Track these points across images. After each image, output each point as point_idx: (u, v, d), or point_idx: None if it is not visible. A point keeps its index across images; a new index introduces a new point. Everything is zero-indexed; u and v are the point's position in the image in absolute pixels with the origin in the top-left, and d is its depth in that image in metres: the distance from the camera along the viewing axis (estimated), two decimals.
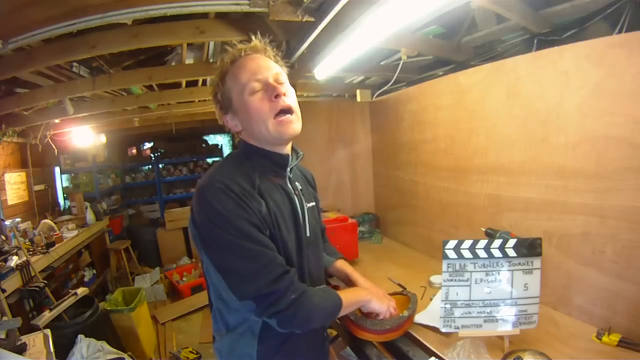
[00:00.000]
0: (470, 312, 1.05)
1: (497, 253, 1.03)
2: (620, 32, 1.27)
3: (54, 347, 1.75)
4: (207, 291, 1.06)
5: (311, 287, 0.97)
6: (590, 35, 1.32)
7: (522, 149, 1.36)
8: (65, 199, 4.57)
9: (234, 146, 7.04)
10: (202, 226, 0.90)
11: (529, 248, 1.02)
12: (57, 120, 3.49)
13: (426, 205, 1.98)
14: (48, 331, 1.85)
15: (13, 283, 2.21)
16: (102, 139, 4.61)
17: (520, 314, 1.02)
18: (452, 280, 1.06)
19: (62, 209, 4.38)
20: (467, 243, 1.05)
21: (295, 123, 0.96)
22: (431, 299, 1.38)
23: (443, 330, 1.06)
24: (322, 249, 1.21)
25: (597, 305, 1.14)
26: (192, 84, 3.26)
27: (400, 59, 2.13)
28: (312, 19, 1.49)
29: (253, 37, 1.00)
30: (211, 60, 2.57)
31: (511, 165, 1.41)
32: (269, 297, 0.87)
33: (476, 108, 1.57)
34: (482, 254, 1.04)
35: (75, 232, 3.48)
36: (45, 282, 2.41)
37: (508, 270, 1.03)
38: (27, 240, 2.86)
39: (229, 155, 1.06)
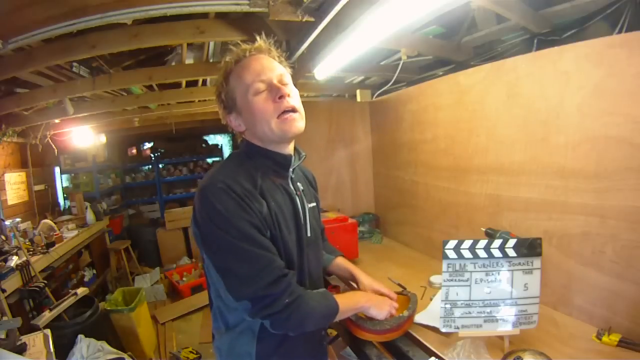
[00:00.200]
0: (470, 312, 1.05)
1: (497, 253, 1.03)
2: (620, 32, 1.27)
3: (54, 347, 1.75)
4: (208, 290, 1.06)
5: (309, 291, 0.97)
6: (590, 35, 1.32)
7: (522, 149, 1.36)
8: (65, 199, 4.57)
9: (234, 146, 7.04)
10: (203, 226, 0.90)
11: (529, 248, 1.02)
12: (57, 120, 3.49)
13: (426, 205, 1.98)
14: (48, 331, 1.85)
15: (13, 283, 2.21)
16: (102, 139, 4.61)
17: (520, 314, 1.02)
18: (452, 280, 1.06)
19: (62, 209, 4.38)
20: (467, 243, 1.05)
21: (298, 121, 0.96)
22: (431, 299, 1.38)
23: (443, 330, 1.06)
24: (321, 249, 1.21)
25: (597, 305, 1.14)
26: (192, 84, 3.26)
27: (400, 59, 2.13)
28: (312, 19, 1.49)
29: (258, 38, 1.00)
30: (211, 60, 2.57)
31: (511, 165, 1.41)
32: (265, 300, 0.88)
33: (476, 108, 1.57)
34: (482, 254, 1.04)
35: (75, 232, 3.48)
36: (45, 282, 2.41)
37: (508, 270, 1.03)
38: (27, 240, 2.85)
39: (231, 154, 1.06)
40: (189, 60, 2.58)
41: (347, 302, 1.06)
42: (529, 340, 1.06)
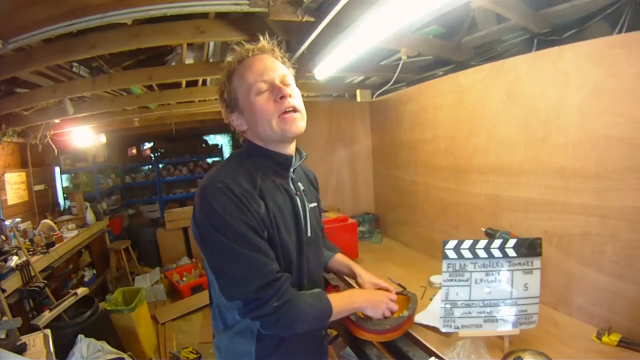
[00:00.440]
0: (470, 312, 1.05)
1: (497, 253, 1.03)
2: (620, 32, 1.27)
3: (54, 347, 1.75)
4: (209, 288, 1.07)
5: (302, 293, 0.97)
6: (590, 35, 1.32)
7: (522, 149, 1.36)
8: (65, 199, 4.57)
9: (234, 146, 7.05)
10: (202, 225, 0.91)
11: (529, 248, 1.02)
12: (57, 120, 3.49)
13: (426, 205, 1.98)
14: (48, 331, 1.85)
15: (13, 283, 2.21)
16: (102, 139, 4.61)
17: (520, 314, 1.02)
18: (452, 280, 1.06)
19: (62, 209, 4.38)
20: (467, 243, 1.05)
21: (299, 121, 0.97)
22: (431, 299, 1.38)
23: (443, 330, 1.06)
24: (322, 248, 1.21)
25: (597, 305, 1.14)
26: (192, 84, 3.26)
27: (400, 59, 2.13)
28: (312, 19, 1.49)
29: (261, 38, 1.01)
30: (211, 60, 2.57)
31: (511, 165, 1.41)
32: (254, 302, 0.89)
33: (476, 108, 1.57)
34: (482, 254, 1.04)
35: (75, 232, 3.48)
36: (45, 282, 2.41)
37: (508, 270, 1.03)
38: (27, 240, 2.85)
39: (232, 154, 1.06)
40: (189, 60, 2.58)
41: (342, 303, 1.06)
42: (529, 340, 1.06)
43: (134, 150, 6.55)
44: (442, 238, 1.08)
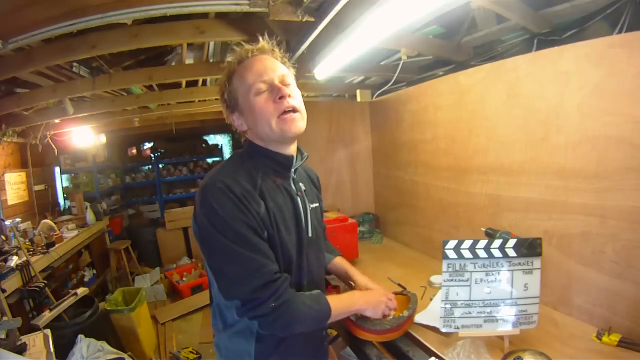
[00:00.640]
0: (470, 312, 1.05)
1: (497, 253, 1.03)
2: (620, 32, 1.27)
3: (54, 347, 1.75)
4: (209, 287, 1.07)
5: (300, 294, 0.97)
6: (590, 35, 1.32)
7: (522, 149, 1.36)
8: (65, 199, 4.57)
9: (234, 146, 7.04)
10: (201, 225, 0.91)
11: (529, 248, 1.02)
12: (57, 120, 3.49)
13: (426, 205, 1.98)
14: (48, 331, 1.85)
15: (13, 283, 2.21)
16: (102, 139, 4.61)
17: (520, 314, 1.02)
18: (452, 280, 1.06)
19: (62, 209, 4.38)
20: (467, 243, 1.05)
21: (299, 121, 0.97)
22: (431, 299, 1.38)
23: (443, 330, 1.06)
24: (323, 249, 1.21)
25: (597, 305, 1.14)
26: (192, 84, 3.26)
27: (400, 59, 2.13)
28: (312, 19, 1.49)
29: (261, 38, 1.01)
30: (211, 60, 2.57)
31: (511, 165, 1.41)
32: (252, 302, 0.89)
33: (476, 108, 1.57)
34: (482, 254, 1.04)
35: (75, 232, 3.48)
36: (45, 282, 2.41)
37: (508, 270, 1.03)
38: (27, 240, 2.85)
39: (233, 154, 1.07)
40: (189, 60, 2.58)
41: (341, 305, 1.06)
42: (529, 340, 1.06)
43: (134, 150, 6.55)
44: (442, 238, 1.08)
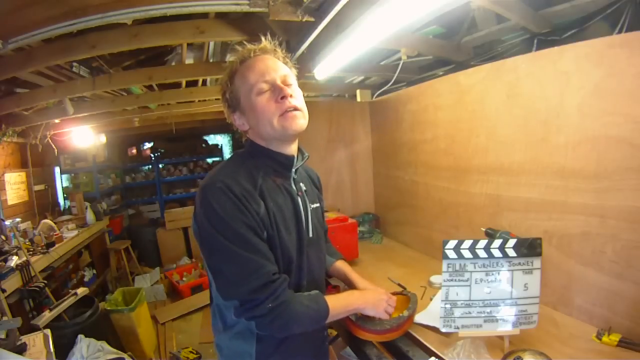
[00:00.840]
0: (470, 312, 1.05)
1: (497, 253, 1.03)
2: (620, 32, 1.27)
3: (54, 347, 1.75)
4: (209, 287, 1.07)
5: (298, 295, 0.97)
6: (590, 35, 1.32)
7: (522, 149, 1.36)
8: (65, 199, 4.56)
9: (234, 146, 7.04)
10: (201, 225, 0.92)
11: (529, 248, 1.02)
12: (57, 120, 3.49)
13: (426, 205, 1.98)
14: (48, 331, 1.85)
15: (13, 283, 2.21)
16: (102, 139, 4.61)
17: (520, 314, 1.02)
18: (452, 280, 1.06)
19: (62, 209, 4.38)
20: (467, 243, 1.05)
21: (300, 119, 0.96)
22: (431, 299, 1.38)
23: (443, 330, 1.06)
24: (324, 249, 1.21)
25: (597, 305, 1.14)
26: (192, 84, 3.26)
27: (400, 59, 2.13)
28: (312, 19, 1.49)
29: (263, 38, 1.01)
30: (211, 60, 2.57)
31: (511, 165, 1.41)
32: (249, 303, 0.89)
33: (476, 108, 1.57)
34: (482, 254, 1.04)
35: (75, 232, 3.48)
36: (45, 282, 2.41)
37: (508, 270, 1.03)
38: (27, 240, 2.85)
39: (234, 154, 1.07)
40: (189, 60, 2.58)
41: (339, 305, 1.05)
42: (529, 340, 1.06)
43: (134, 150, 6.55)
44: (442, 238, 1.08)
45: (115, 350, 2.49)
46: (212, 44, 2.38)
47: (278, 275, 0.92)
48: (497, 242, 1.04)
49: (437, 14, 1.63)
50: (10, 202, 3.40)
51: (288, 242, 0.98)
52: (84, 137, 4.13)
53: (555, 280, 1.25)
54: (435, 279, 1.54)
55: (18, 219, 3.03)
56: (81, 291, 2.54)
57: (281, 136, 0.97)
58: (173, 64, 2.64)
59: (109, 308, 2.99)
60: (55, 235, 3.06)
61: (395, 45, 1.99)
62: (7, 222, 2.64)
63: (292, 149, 1.03)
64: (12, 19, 1.49)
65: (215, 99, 3.61)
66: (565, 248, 1.23)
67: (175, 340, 3.40)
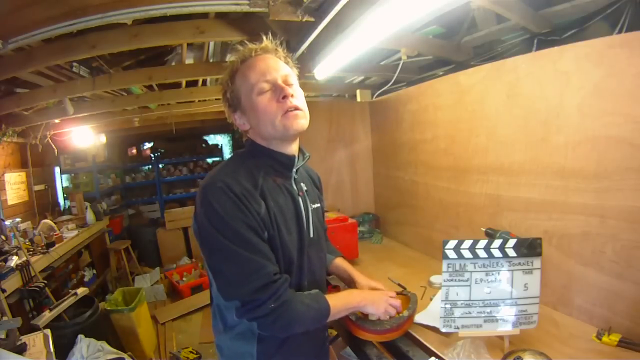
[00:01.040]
0: (470, 312, 1.05)
1: (497, 253, 1.03)
2: (620, 32, 1.27)
3: (54, 347, 1.75)
4: (209, 288, 1.06)
5: (299, 294, 0.97)
6: (590, 35, 1.32)
7: (522, 149, 1.36)
8: (65, 199, 4.57)
9: (234, 146, 7.04)
10: (201, 225, 0.91)
11: (529, 248, 1.02)
12: (57, 120, 3.49)
13: (426, 205, 1.98)
14: (48, 331, 1.85)
15: (13, 283, 2.21)
16: (102, 139, 4.61)
17: (520, 314, 1.02)
18: (452, 280, 1.06)
19: (62, 209, 4.38)
20: (467, 243, 1.05)
21: (301, 118, 0.96)
22: (431, 299, 1.38)
23: (443, 330, 1.06)
24: (325, 249, 1.21)
25: (597, 305, 1.14)
26: (192, 84, 3.26)
27: (400, 59, 2.13)
28: (312, 19, 1.49)
29: (264, 37, 1.01)
30: (211, 60, 2.57)
31: (511, 165, 1.41)
32: (251, 303, 0.89)
33: (476, 108, 1.57)
34: (482, 254, 1.04)
35: (75, 232, 3.48)
36: (45, 282, 2.41)
37: (508, 270, 1.03)
38: (27, 240, 2.86)
39: (234, 154, 1.06)
40: (189, 60, 2.58)
41: (340, 303, 1.05)
42: (529, 340, 1.06)
43: (134, 150, 6.55)
44: (442, 238, 1.08)
45: (115, 350, 2.49)
46: (212, 44, 2.38)
47: (279, 275, 0.92)
48: (497, 242, 1.04)
49: (437, 14, 1.63)
50: (10, 202, 3.40)
51: (289, 242, 0.97)
52: (84, 137, 4.13)
53: (555, 280, 1.25)
54: (435, 279, 1.54)
55: (18, 219, 3.03)
56: (81, 291, 2.54)
57: (282, 136, 0.97)
58: (173, 64, 2.64)
59: (109, 308, 2.99)
60: (55, 235, 3.06)
61: (395, 45, 1.99)
62: (7, 222, 2.64)
63: (293, 149, 1.03)
64: (12, 19, 1.49)
65: (216, 99, 3.61)
66: (565, 248, 1.23)
67: (175, 340, 3.40)
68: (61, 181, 4.65)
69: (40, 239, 2.89)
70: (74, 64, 2.45)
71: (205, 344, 3.25)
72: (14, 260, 2.27)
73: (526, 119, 1.34)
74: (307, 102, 1.01)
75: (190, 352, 3.07)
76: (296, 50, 1.77)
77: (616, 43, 1.06)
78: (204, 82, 3.24)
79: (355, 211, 2.57)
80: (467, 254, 1.05)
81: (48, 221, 3.23)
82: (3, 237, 2.39)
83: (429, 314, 1.25)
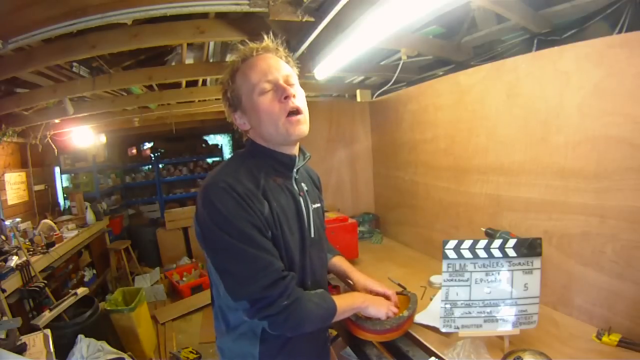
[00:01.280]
0: (470, 312, 1.05)
1: (497, 253, 1.04)
2: (620, 32, 1.27)
3: (54, 347, 1.75)
4: (210, 289, 1.06)
5: (307, 293, 0.97)
6: (590, 35, 1.32)
7: (522, 149, 1.36)
8: (65, 199, 4.56)
9: (234, 146, 7.04)
10: (204, 225, 0.90)
11: (529, 248, 1.02)
12: (57, 120, 3.49)
13: (426, 205, 1.98)
14: (48, 331, 1.85)
15: (13, 283, 2.21)
16: (102, 139, 4.61)
17: (520, 314, 1.02)
18: (452, 280, 1.06)
19: (62, 209, 4.38)
20: (467, 243, 1.05)
21: (303, 124, 0.96)
22: (431, 299, 1.38)
23: (443, 330, 1.06)
24: (325, 250, 1.21)
25: (597, 305, 1.14)
26: (192, 84, 3.26)
27: (400, 59, 2.13)
28: (312, 19, 1.49)
29: (265, 37, 1.00)
30: (211, 60, 2.57)
31: (511, 165, 1.41)
32: (262, 301, 0.88)
33: (476, 108, 1.57)
34: (482, 254, 1.04)
35: (75, 232, 3.48)
36: (45, 282, 2.41)
37: (508, 270, 1.03)
38: (27, 240, 2.85)
39: (235, 154, 1.06)
40: (189, 60, 2.58)
41: (344, 304, 1.06)
42: (529, 340, 1.06)
43: (134, 150, 6.55)
44: (442, 238, 1.08)
45: (115, 350, 2.49)
46: (212, 44, 2.38)
47: (287, 272, 0.92)
48: (497, 242, 1.04)
49: (437, 14, 1.63)
50: (10, 202, 3.40)
51: (291, 242, 0.97)
52: (84, 137, 4.12)
53: (555, 280, 1.25)
54: (435, 279, 1.55)
55: (18, 219, 3.03)
56: (81, 291, 2.54)
57: (284, 140, 0.97)
58: (173, 64, 2.64)
59: (109, 308, 2.99)
60: (55, 235, 3.06)
61: (395, 45, 1.99)
62: (7, 222, 2.64)
63: (294, 149, 1.03)
64: (12, 19, 1.49)
65: (216, 99, 3.61)
66: (565, 248, 1.23)
67: (175, 340, 3.40)
68: (61, 181, 4.64)
69: (40, 239, 2.89)
70: (74, 64, 2.45)
71: (205, 344, 3.24)
72: (14, 260, 2.27)
73: (526, 119, 1.34)
74: (307, 102, 1.01)
75: (190, 352, 3.07)
76: (296, 50, 1.76)
77: (616, 43, 1.06)
78: (204, 82, 3.24)
79: (355, 211, 2.57)
80: (467, 254, 1.05)
81: (48, 221, 3.23)
82: (3, 237, 2.39)
83: (429, 314, 1.25)
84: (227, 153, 6.99)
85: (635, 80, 1.00)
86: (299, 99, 0.97)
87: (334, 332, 1.80)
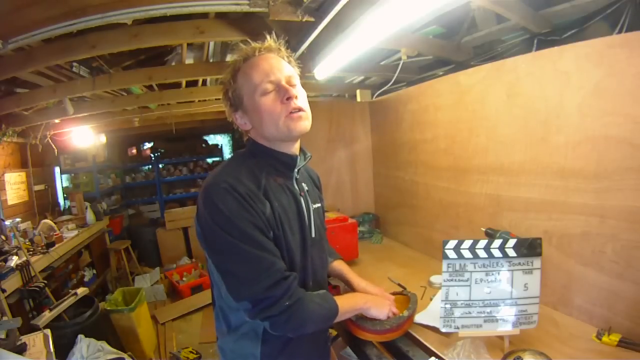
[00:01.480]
0: (470, 312, 1.05)
1: (497, 253, 1.03)
2: (620, 32, 1.27)
3: (54, 347, 1.75)
4: (211, 289, 1.06)
5: (309, 293, 0.97)
6: (590, 35, 1.32)
7: (522, 149, 1.36)
8: (65, 199, 4.56)
9: (234, 146, 7.04)
10: (206, 226, 0.90)
11: (529, 248, 1.02)
12: (57, 120, 3.49)
13: (426, 205, 1.98)
14: (48, 331, 1.85)
15: (13, 283, 2.21)
16: (102, 139, 4.61)
17: (520, 314, 1.02)
18: (452, 280, 1.06)
19: (62, 209, 4.38)
20: (467, 243, 1.05)
21: (304, 120, 0.96)
22: (431, 299, 1.38)
23: (443, 330, 1.06)
24: (326, 250, 1.20)
25: (597, 305, 1.14)
26: (192, 84, 3.26)
27: (400, 59, 2.13)
28: (312, 19, 1.49)
29: (267, 37, 0.99)
30: (211, 60, 2.57)
31: (511, 165, 1.41)
32: (264, 302, 0.87)
33: (476, 108, 1.57)
34: (482, 254, 1.04)
35: (75, 232, 3.48)
36: (45, 282, 2.41)
37: (508, 270, 1.03)
38: (27, 240, 2.85)
39: (236, 154, 1.05)
40: (189, 60, 2.58)
41: (346, 304, 1.06)
42: (529, 340, 1.06)
43: (134, 150, 6.55)
44: (442, 238, 1.08)
45: (115, 350, 2.49)
46: (212, 44, 2.38)
47: (289, 272, 0.92)
48: (497, 242, 1.04)
49: (437, 14, 1.63)
50: (10, 202, 3.40)
51: (292, 242, 0.97)
52: (84, 137, 4.13)
53: (555, 280, 1.25)
54: (435, 279, 1.54)
55: (18, 219, 3.03)
56: (81, 291, 2.54)
57: (286, 137, 0.96)
58: (173, 64, 2.65)
59: (109, 308, 2.99)
60: (55, 235, 3.06)
61: (395, 45, 1.99)
62: (7, 222, 2.64)
63: (295, 149, 1.03)
64: (12, 19, 1.49)
65: (216, 99, 3.61)
66: (565, 248, 1.23)
67: (175, 340, 3.40)
68: (61, 181, 4.64)
69: (40, 239, 2.89)
70: (74, 64, 2.45)
71: (205, 344, 3.24)
72: (14, 260, 2.27)
73: (526, 119, 1.34)
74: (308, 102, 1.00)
75: (190, 352, 3.07)
76: (296, 50, 1.76)
77: (616, 43, 1.06)
78: (204, 82, 3.24)
79: (355, 211, 2.57)
80: (467, 254, 1.05)
81: (48, 221, 3.23)
82: (3, 237, 2.39)
83: (429, 314, 1.25)
84: (227, 153, 7.00)
85: (635, 80, 1.00)
86: (301, 99, 0.96)
87: (334, 332, 1.80)
